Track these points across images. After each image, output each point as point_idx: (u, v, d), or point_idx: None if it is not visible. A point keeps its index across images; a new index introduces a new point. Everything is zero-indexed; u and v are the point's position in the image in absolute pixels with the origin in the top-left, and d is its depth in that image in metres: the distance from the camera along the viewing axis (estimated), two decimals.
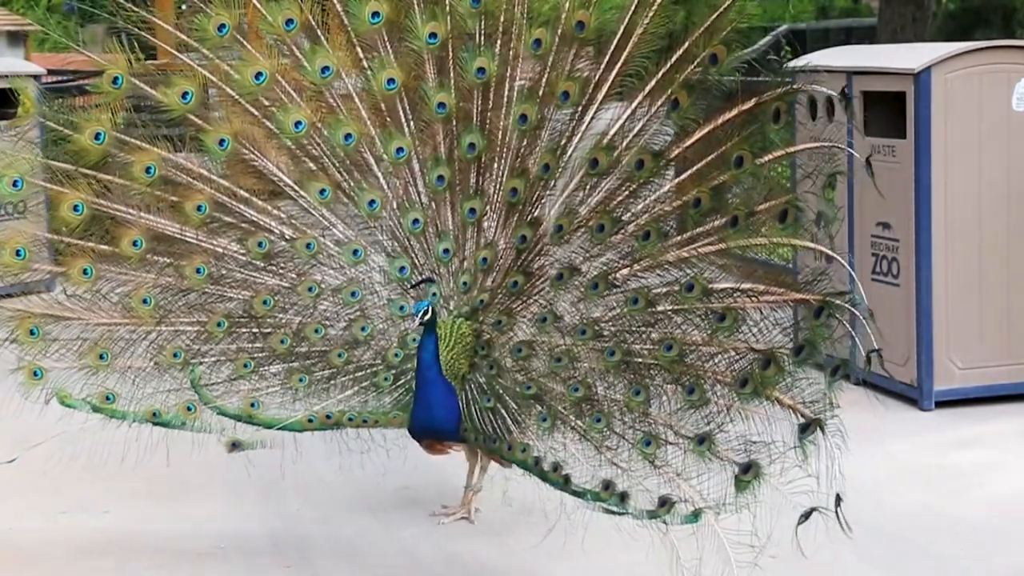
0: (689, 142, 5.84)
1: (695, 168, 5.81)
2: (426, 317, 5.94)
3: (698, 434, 5.66)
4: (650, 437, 5.77)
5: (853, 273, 5.57)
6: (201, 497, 6.90)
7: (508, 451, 6.08)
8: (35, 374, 6.20)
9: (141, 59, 6.19)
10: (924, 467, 7.32)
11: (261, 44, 6.27)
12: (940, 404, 8.22)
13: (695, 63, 5.75)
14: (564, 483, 5.83)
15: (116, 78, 6.17)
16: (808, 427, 5.48)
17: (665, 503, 5.58)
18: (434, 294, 6.16)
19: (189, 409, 6.23)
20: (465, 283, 6.22)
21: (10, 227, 6.46)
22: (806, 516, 5.29)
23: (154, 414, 6.23)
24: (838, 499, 5.26)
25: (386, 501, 6.87)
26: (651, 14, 5.90)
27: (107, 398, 6.24)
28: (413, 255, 6.27)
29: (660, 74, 5.87)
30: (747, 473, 5.52)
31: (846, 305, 5.53)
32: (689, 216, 5.84)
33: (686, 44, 5.78)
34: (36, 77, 12.23)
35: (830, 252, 5.64)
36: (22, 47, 25.86)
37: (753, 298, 5.70)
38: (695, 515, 5.52)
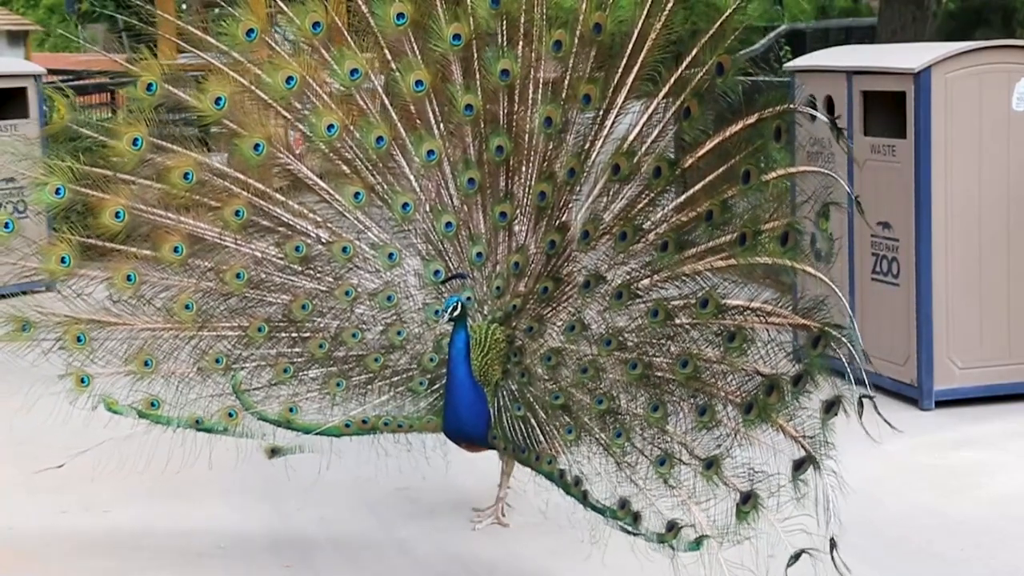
0: (701, 152, 5.79)
1: (707, 180, 5.77)
2: (455, 314, 5.93)
3: (707, 457, 5.60)
4: (665, 456, 5.71)
5: (848, 306, 5.49)
6: (201, 497, 6.90)
7: (536, 462, 6.05)
8: (82, 380, 6.23)
9: (149, 59, 6.17)
10: (924, 467, 7.32)
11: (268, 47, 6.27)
12: (940, 404, 8.22)
13: (703, 71, 5.74)
14: (583, 498, 5.81)
15: (150, 84, 6.17)
16: (803, 464, 5.36)
17: (672, 527, 5.53)
18: (469, 288, 6.15)
19: (230, 415, 6.27)
20: (498, 287, 6.21)
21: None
22: (795, 558, 5.19)
23: (197, 420, 6.27)
24: (832, 543, 5.16)
25: (386, 501, 6.87)
26: (663, 17, 5.86)
27: (152, 404, 6.27)
28: (447, 258, 6.25)
29: (672, 80, 5.84)
30: (746, 503, 5.43)
31: (843, 338, 5.39)
32: (703, 229, 5.79)
33: (694, 51, 5.76)
34: (36, 77, 12.24)
35: (827, 281, 5.52)
36: (22, 47, 25.88)
37: (761, 318, 5.64)
38: (697, 543, 5.46)
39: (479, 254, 6.22)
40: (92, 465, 6.40)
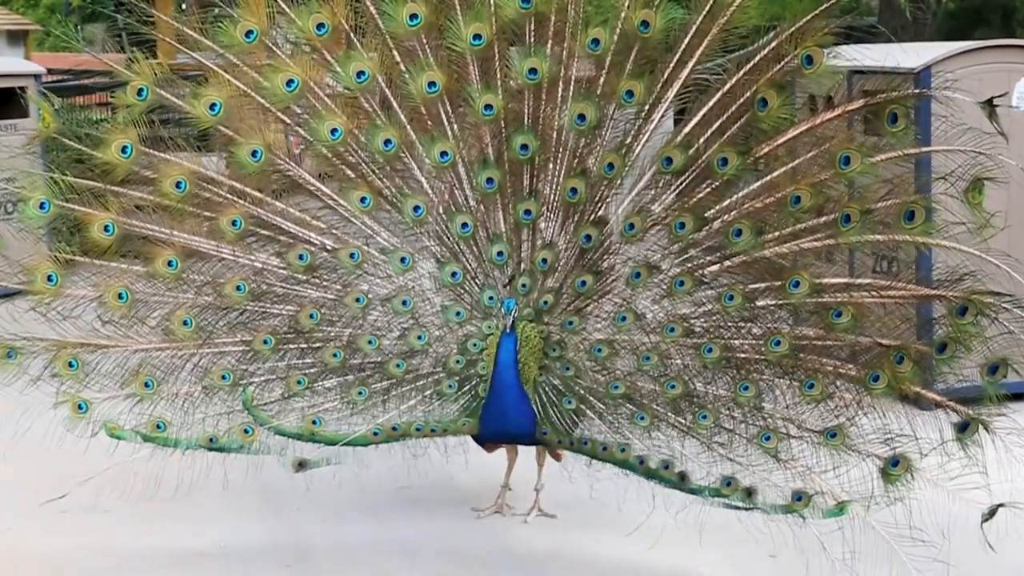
0: (781, 140, 5.80)
1: (790, 165, 5.80)
2: (514, 316, 5.96)
3: (827, 428, 5.69)
4: (769, 431, 5.78)
5: (1015, 274, 5.60)
6: (201, 497, 6.88)
7: (603, 451, 6.06)
8: (80, 407, 6.12)
9: (146, 60, 6.05)
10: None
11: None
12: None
13: (785, 62, 5.71)
14: (680, 480, 5.85)
15: (140, 90, 6.06)
16: (967, 425, 5.50)
17: (801, 497, 5.62)
18: (519, 289, 6.14)
19: (247, 432, 6.18)
20: (524, 286, 6.17)
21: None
22: (991, 514, 5.33)
23: (211, 440, 6.18)
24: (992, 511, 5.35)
25: (386, 501, 6.87)
26: (729, 13, 5.82)
27: (158, 426, 6.17)
28: (464, 260, 6.20)
29: (741, 73, 5.81)
30: (896, 467, 5.57)
31: (1004, 306, 5.50)
32: (789, 213, 5.81)
33: (773, 44, 5.74)
34: (36, 76, 12.24)
35: (977, 253, 5.62)
36: (22, 46, 25.87)
37: (874, 293, 5.71)
38: (840, 508, 5.57)
39: (500, 253, 6.17)
40: (91, 466, 6.38)
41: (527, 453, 6.58)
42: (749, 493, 5.75)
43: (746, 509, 5.75)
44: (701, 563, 6.02)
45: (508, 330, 6.01)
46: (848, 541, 5.50)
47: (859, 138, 5.83)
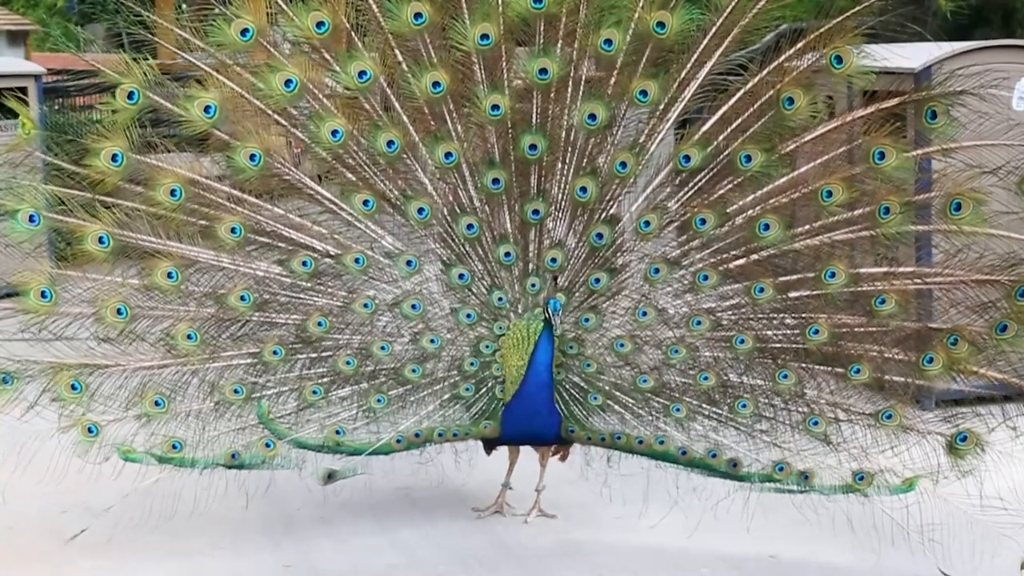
0: (809, 137, 5.84)
1: (819, 161, 5.84)
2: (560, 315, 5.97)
3: (880, 410, 5.78)
4: (815, 416, 5.84)
5: None
6: (201, 497, 6.89)
7: (640, 445, 6.09)
8: (90, 430, 6.01)
9: (149, 63, 5.95)
10: None
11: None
12: (939, 404, 8.19)
13: (813, 62, 5.74)
14: (731, 468, 5.92)
15: (131, 93, 5.94)
16: None
17: (863, 476, 5.71)
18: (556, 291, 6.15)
19: (268, 446, 6.11)
20: (534, 285, 6.17)
21: None
22: None
23: (232, 456, 6.11)
24: None
25: (386, 501, 6.87)
26: (753, 13, 5.84)
27: (173, 446, 6.09)
28: (471, 261, 6.17)
29: (764, 72, 5.83)
30: (964, 442, 5.69)
31: None
32: (821, 206, 5.84)
33: (800, 44, 5.77)
34: (36, 77, 12.23)
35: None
36: (22, 47, 25.85)
37: (919, 280, 5.79)
38: (908, 485, 5.67)
39: (507, 254, 6.15)
40: (92, 466, 6.38)
41: (527, 453, 6.58)
42: (805, 476, 5.82)
43: (801, 492, 5.82)
44: (701, 563, 6.02)
45: (546, 328, 6.00)
46: (848, 537, 5.49)
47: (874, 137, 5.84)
